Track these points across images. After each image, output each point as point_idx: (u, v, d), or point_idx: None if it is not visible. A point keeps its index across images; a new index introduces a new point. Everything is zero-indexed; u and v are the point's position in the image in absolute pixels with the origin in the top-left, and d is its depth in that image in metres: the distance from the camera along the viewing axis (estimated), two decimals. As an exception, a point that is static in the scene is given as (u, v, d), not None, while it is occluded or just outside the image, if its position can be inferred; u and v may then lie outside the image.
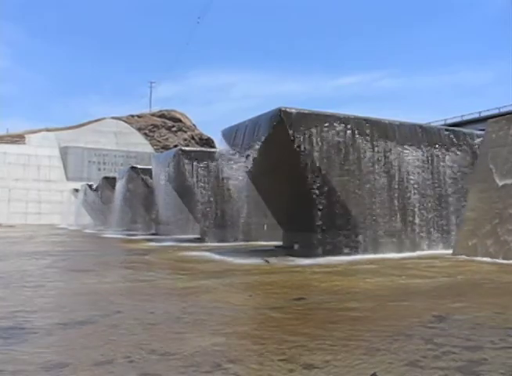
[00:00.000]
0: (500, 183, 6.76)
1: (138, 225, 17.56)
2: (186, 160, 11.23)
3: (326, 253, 7.00)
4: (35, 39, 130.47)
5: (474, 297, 3.83)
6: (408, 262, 6.35)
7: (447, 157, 8.53)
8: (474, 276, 5.12)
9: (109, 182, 19.45)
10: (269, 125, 6.94)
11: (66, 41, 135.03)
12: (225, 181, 10.69)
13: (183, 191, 11.76)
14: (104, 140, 40.68)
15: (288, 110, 6.90)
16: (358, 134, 7.49)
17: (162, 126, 45.88)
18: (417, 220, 8.04)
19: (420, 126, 8.59)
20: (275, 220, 8.79)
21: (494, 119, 7.57)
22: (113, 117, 43.51)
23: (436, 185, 8.39)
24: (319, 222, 7.04)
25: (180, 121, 47.45)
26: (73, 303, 3.66)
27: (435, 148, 8.40)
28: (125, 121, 43.80)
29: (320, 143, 7.09)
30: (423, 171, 8.21)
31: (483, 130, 7.89)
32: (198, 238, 11.29)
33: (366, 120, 7.71)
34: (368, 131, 7.60)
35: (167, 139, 45.02)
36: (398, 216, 7.85)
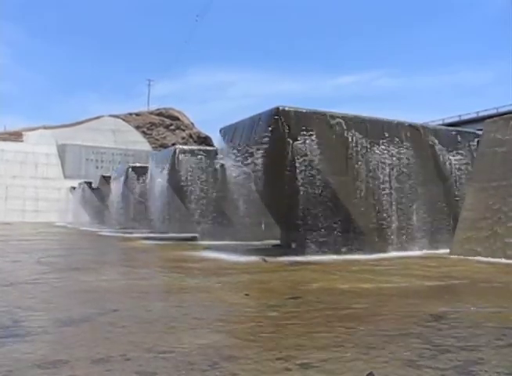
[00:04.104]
0: (497, 183, 6.77)
1: (135, 223, 17.54)
2: (184, 159, 11.22)
3: (324, 252, 7.00)
4: (35, 39, 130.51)
5: (470, 296, 3.84)
6: (405, 262, 6.36)
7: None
8: (470, 275, 5.13)
9: (107, 180, 19.46)
10: (267, 124, 6.93)
11: (66, 41, 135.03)
12: (222, 179, 10.68)
13: (180, 189, 11.74)
14: (102, 138, 40.62)
15: (286, 108, 6.90)
16: (357, 133, 7.50)
17: (160, 124, 45.84)
18: (415, 219, 8.06)
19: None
20: (273, 219, 8.79)
21: (491, 119, 7.58)
22: (111, 115, 43.45)
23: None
24: (318, 221, 7.04)
25: (178, 119, 47.42)
26: (70, 301, 3.66)
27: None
28: (123, 119, 43.75)
29: (318, 142, 7.09)
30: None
31: (481, 130, 7.91)
32: (195, 236, 11.28)
33: (364, 119, 7.72)
34: (366, 131, 7.61)
35: (165, 137, 44.98)
36: (396, 216, 7.86)
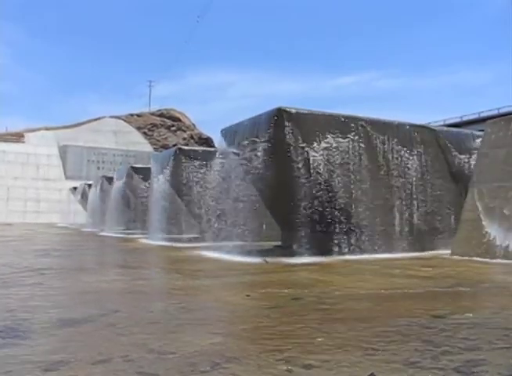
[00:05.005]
0: (499, 184, 6.76)
1: (136, 224, 17.55)
2: (185, 160, 11.24)
3: (325, 253, 7.00)
4: (35, 39, 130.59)
5: (472, 297, 3.84)
6: (406, 262, 6.35)
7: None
8: (471, 276, 5.12)
9: (108, 181, 19.47)
10: (268, 125, 6.94)
11: (66, 41, 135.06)
12: (224, 180, 10.68)
13: (182, 190, 11.75)
14: (103, 139, 40.65)
15: (287, 109, 6.90)
16: (358, 134, 7.50)
17: (161, 125, 45.86)
18: (416, 220, 8.05)
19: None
20: (274, 219, 8.78)
21: (493, 120, 7.57)
22: (113, 116, 43.46)
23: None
24: (319, 222, 7.04)
25: (179, 120, 47.43)
26: (71, 302, 3.66)
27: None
28: (124, 120, 43.76)
29: (319, 143, 7.09)
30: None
31: (482, 130, 7.90)
32: (196, 237, 11.29)
33: (365, 120, 7.71)
34: (367, 132, 7.61)
35: (166, 138, 45.00)
36: (397, 216, 7.85)
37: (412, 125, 8.36)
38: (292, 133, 6.88)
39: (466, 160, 8.66)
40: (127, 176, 16.45)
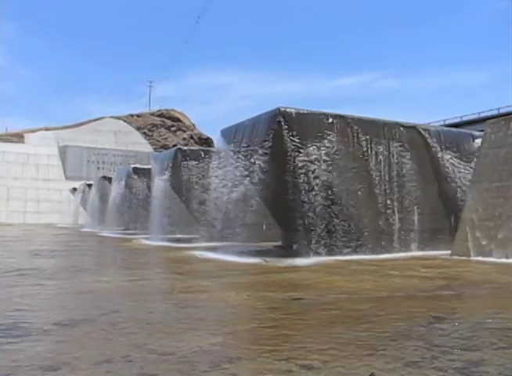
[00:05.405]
0: (499, 184, 6.76)
1: (136, 224, 17.56)
2: (185, 160, 11.23)
3: (325, 253, 6.99)
4: (35, 39, 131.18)
5: (472, 297, 3.84)
6: (406, 263, 6.35)
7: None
8: (472, 276, 5.12)
9: (108, 181, 19.49)
10: (268, 125, 6.93)
11: (66, 41, 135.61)
12: (224, 180, 10.68)
13: (182, 190, 11.75)
14: (103, 139, 40.65)
15: (287, 110, 6.89)
16: (358, 134, 7.50)
17: (161, 125, 45.85)
18: (416, 220, 8.05)
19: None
20: (275, 220, 8.78)
21: (493, 120, 7.57)
22: (113, 117, 43.46)
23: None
24: (319, 222, 7.03)
25: (179, 120, 47.43)
26: (71, 302, 3.65)
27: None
28: (124, 121, 43.74)
29: (319, 143, 7.09)
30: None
31: (482, 131, 7.89)
32: (197, 238, 11.28)
33: (364, 120, 7.72)
34: (366, 131, 7.61)
35: (166, 138, 44.99)
36: (397, 216, 7.85)
37: (408, 125, 8.36)
38: (292, 133, 6.87)
39: (465, 161, 8.66)
40: (127, 177, 16.46)
